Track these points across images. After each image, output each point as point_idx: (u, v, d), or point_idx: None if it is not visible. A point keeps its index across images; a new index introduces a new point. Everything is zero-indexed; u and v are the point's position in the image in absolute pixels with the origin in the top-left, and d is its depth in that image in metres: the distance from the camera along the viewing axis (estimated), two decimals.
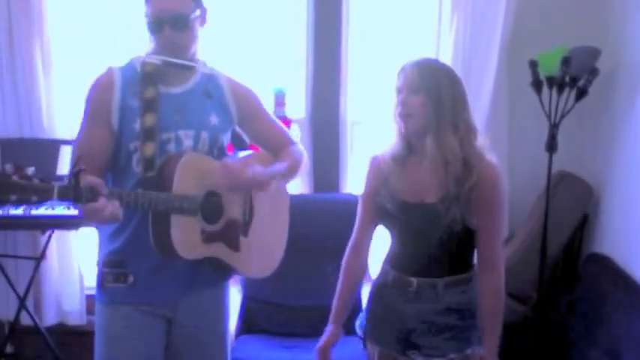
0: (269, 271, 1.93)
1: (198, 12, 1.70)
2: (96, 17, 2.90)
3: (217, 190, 1.72)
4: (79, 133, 1.73)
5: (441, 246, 1.72)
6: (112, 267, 1.75)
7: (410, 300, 1.77)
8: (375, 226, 1.84)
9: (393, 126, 1.73)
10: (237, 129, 1.90)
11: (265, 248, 1.89)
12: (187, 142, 1.72)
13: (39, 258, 2.77)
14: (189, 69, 1.72)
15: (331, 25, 2.94)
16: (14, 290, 2.77)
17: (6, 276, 2.76)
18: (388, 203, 1.74)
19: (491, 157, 1.72)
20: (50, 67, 2.78)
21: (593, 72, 2.57)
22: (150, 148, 1.65)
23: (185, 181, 1.64)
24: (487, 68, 2.78)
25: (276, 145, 1.91)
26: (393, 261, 1.82)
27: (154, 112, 1.66)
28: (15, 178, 1.36)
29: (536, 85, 2.63)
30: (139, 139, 1.66)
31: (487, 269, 1.73)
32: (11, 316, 2.83)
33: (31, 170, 1.40)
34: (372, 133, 3.04)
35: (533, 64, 2.62)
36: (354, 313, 2.31)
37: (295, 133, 2.93)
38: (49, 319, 2.95)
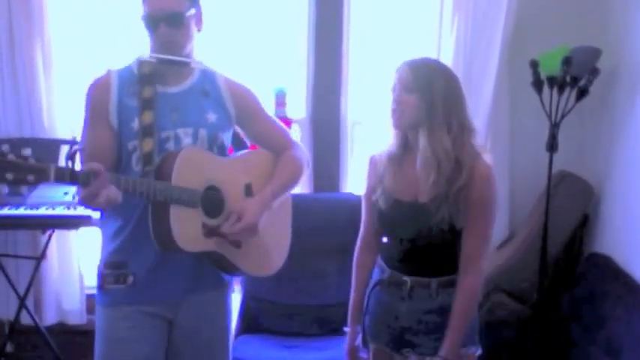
0: (271, 270, 1.92)
1: (193, 10, 1.71)
2: (96, 18, 2.90)
3: (217, 185, 1.73)
4: (82, 136, 1.75)
5: (434, 245, 1.72)
6: (113, 268, 1.74)
7: (404, 299, 1.77)
8: None
9: (391, 125, 1.74)
10: (237, 129, 1.90)
11: (268, 247, 1.89)
12: (186, 140, 1.72)
13: (39, 258, 2.78)
14: (185, 65, 1.73)
15: (332, 25, 2.94)
16: (14, 290, 2.78)
17: (6, 275, 2.76)
18: (382, 201, 1.76)
19: (486, 157, 1.71)
20: (51, 67, 2.78)
21: (594, 72, 2.58)
22: (148, 144, 1.66)
23: (184, 174, 1.63)
24: (488, 68, 2.79)
25: (276, 145, 1.91)
26: (388, 259, 1.83)
27: (151, 111, 1.67)
28: (11, 156, 1.35)
29: (537, 84, 2.63)
30: (138, 137, 1.67)
31: (466, 269, 1.72)
32: (11, 316, 2.83)
33: (27, 151, 1.39)
34: (373, 133, 3.04)
35: (534, 64, 2.63)
36: None
37: (296, 133, 2.94)
38: (50, 318, 2.95)
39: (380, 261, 1.86)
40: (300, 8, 2.98)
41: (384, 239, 1.85)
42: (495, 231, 1.79)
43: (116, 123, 1.69)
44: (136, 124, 1.68)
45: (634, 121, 2.56)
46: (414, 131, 1.70)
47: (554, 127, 2.65)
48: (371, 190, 1.82)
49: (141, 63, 1.72)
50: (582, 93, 2.59)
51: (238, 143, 2.02)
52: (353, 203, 1.94)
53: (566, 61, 2.53)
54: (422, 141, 1.67)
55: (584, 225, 2.87)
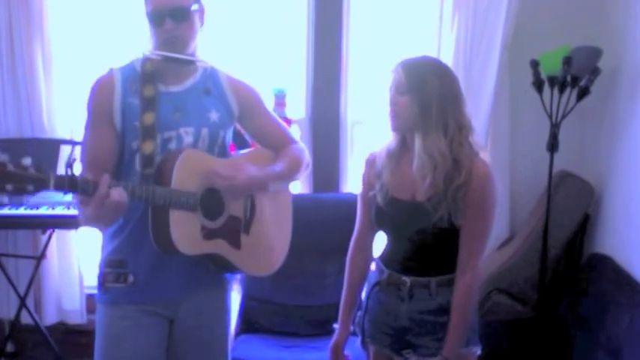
0: (271, 270, 1.92)
1: (197, 6, 1.72)
2: (97, 17, 2.90)
3: (217, 187, 1.73)
4: (84, 136, 1.74)
5: (432, 245, 1.72)
6: (113, 267, 1.75)
7: (404, 299, 1.77)
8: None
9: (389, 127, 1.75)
10: (238, 127, 1.90)
11: (267, 246, 1.89)
12: (187, 139, 1.73)
13: (39, 257, 2.78)
14: (189, 63, 1.73)
15: (332, 24, 2.94)
16: (15, 289, 2.78)
17: (7, 275, 2.77)
18: (379, 198, 1.76)
19: (485, 156, 1.71)
20: (51, 67, 2.78)
21: (595, 72, 2.57)
22: (149, 146, 1.66)
23: (184, 177, 1.64)
24: (488, 68, 2.78)
25: (276, 143, 1.90)
26: (387, 259, 1.82)
27: (152, 111, 1.67)
28: (10, 167, 1.36)
29: (538, 84, 2.62)
30: (139, 138, 1.67)
31: (463, 268, 1.72)
32: (12, 315, 2.84)
33: (27, 161, 1.39)
34: (373, 133, 3.04)
35: (535, 64, 2.62)
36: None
37: (295, 133, 2.93)
38: (50, 318, 2.96)
39: (378, 262, 1.86)
40: (299, 8, 2.97)
41: (384, 239, 1.85)
42: (495, 231, 1.79)
43: (119, 123, 1.69)
44: (138, 124, 1.68)
45: (635, 121, 2.55)
46: (411, 133, 1.70)
47: (555, 127, 2.64)
48: (366, 190, 1.82)
49: (145, 60, 1.71)
50: (583, 93, 2.59)
51: (241, 142, 2.02)
52: (353, 203, 1.94)
53: (567, 61, 2.52)
54: (418, 144, 1.67)
55: (585, 225, 2.86)
